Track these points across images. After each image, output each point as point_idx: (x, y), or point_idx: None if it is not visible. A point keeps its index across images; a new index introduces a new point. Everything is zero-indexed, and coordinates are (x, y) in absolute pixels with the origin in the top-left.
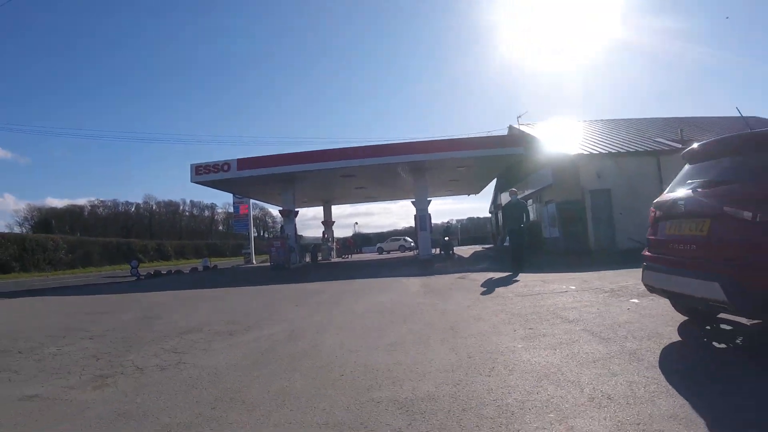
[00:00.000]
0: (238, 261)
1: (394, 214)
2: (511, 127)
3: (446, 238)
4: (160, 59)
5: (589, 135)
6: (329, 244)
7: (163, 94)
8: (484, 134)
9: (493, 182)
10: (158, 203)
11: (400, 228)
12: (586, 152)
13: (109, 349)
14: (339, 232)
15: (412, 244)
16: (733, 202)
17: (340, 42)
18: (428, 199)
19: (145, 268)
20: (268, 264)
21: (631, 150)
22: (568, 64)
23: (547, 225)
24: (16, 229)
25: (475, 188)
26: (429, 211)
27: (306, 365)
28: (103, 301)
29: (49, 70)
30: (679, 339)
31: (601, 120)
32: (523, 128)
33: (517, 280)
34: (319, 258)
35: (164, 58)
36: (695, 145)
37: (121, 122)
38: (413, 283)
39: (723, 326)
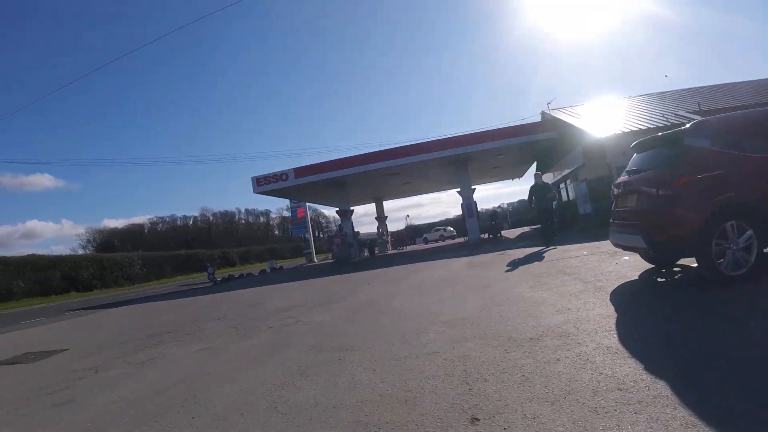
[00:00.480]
0: (300, 261)
1: (444, 203)
2: (543, 113)
3: (492, 223)
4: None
5: (614, 113)
6: (384, 237)
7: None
8: (519, 122)
9: (534, 166)
10: (214, 214)
11: (451, 216)
12: (610, 132)
13: (237, 324)
14: (392, 226)
15: (454, 232)
16: (647, 183)
17: (363, 44)
18: (473, 187)
19: (217, 274)
20: (330, 261)
21: (652, 126)
22: (595, 40)
23: (581, 202)
24: (80, 252)
25: (517, 173)
26: (475, 198)
27: (384, 315)
28: (202, 299)
29: (92, 96)
30: (636, 279)
31: (628, 97)
32: (554, 113)
33: (544, 252)
34: (376, 251)
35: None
36: (637, 141)
37: (166, 144)
38: (460, 262)
39: (675, 269)
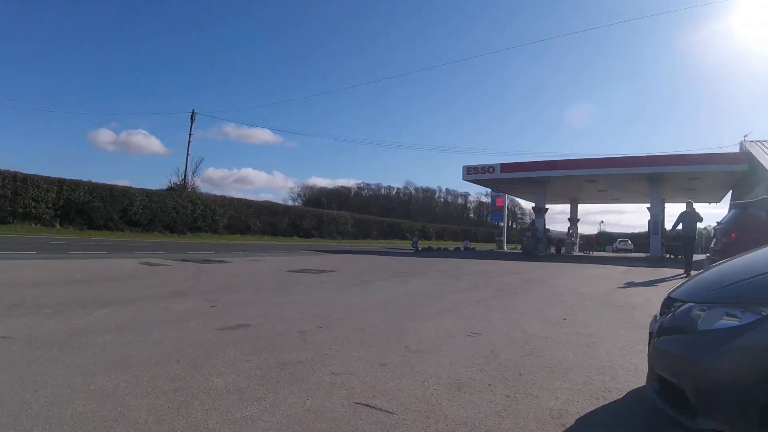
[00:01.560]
0: (490, 246)
1: (646, 214)
2: (741, 144)
3: (677, 244)
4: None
5: None
6: (573, 239)
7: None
8: (716, 150)
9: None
10: (416, 189)
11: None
12: None
13: (450, 275)
14: (586, 228)
15: (630, 245)
16: (720, 232)
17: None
18: (664, 205)
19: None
20: (519, 250)
21: None
22: None
23: None
24: (290, 203)
25: (715, 197)
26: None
27: (543, 285)
28: (414, 259)
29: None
30: None
31: None
32: (749, 145)
33: (679, 276)
34: (562, 250)
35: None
36: (732, 202)
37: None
38: (616, 269)
39: None
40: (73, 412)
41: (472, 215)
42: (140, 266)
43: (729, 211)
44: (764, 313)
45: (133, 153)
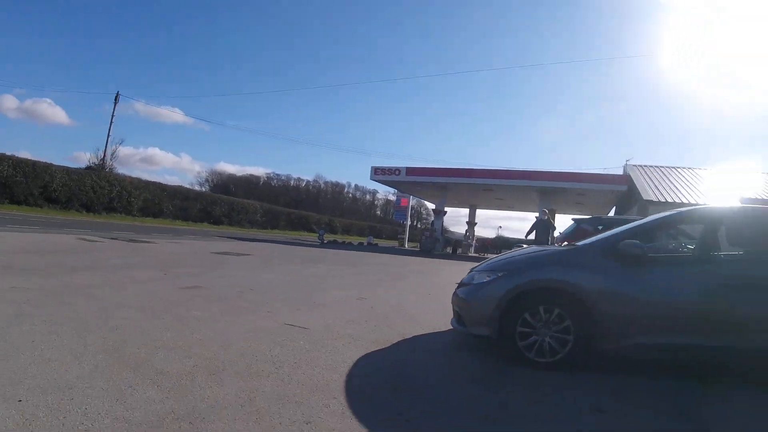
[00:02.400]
0: (393, 243)
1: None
2: (625, 167)
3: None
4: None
5: (682, 182)
6: (469, 240)
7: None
8: (601, 170)
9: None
10: (326, 183)
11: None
12: (653, 199)
13: (356, 261)
14: (487, 232)
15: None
16: (561, 240)
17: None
18: (555, 215)
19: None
20: (418, 248)
21: (679, 201)
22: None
23: None
24: (197, 188)
25: (602, 211)
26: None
27: (430, 274)
28: (320, 250)
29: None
30: None
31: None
32: (631, 169)
33: None
34: (459, 251)
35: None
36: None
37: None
38: None
39: None
40: (113, 325)
41: (379, 212)
42: (79, 242)
43: (570, 225)
44: (498, 275)
45: (37, 122)
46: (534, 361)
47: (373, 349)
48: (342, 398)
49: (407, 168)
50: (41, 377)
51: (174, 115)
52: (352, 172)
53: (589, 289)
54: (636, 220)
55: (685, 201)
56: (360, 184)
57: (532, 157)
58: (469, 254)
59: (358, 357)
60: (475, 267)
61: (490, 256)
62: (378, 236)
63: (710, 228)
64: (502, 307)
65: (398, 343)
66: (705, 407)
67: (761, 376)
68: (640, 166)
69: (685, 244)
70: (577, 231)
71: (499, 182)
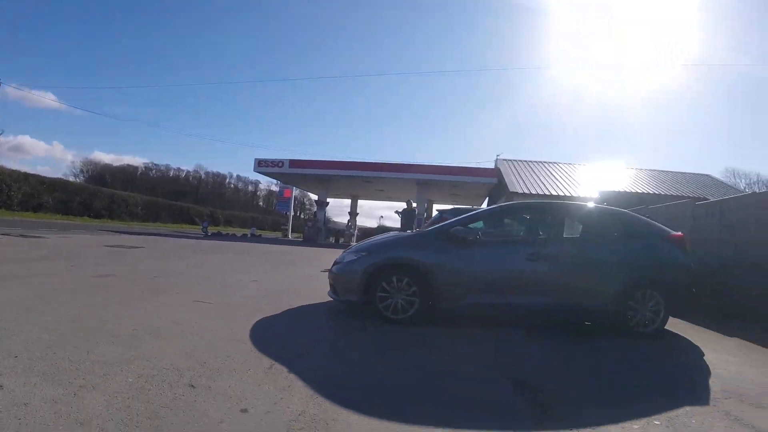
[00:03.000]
0: (276, 234)
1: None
2: (496, 161)
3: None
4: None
5: (546, 175)
6: (351, 230)
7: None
8: (474, 164)
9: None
10: (207, 173)
11: None
12: (518, 191)
13: (245, 251)
14: (370, 222)
15: None
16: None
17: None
18: (433, 205)
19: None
20: (302, 239)
21: (542, 193)
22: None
23: None
24: (71, 179)
25: (476, 202)
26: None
27: (308, 258)
28: (207, 242)
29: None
30: None
31: (566, 164)
32: (500, 163)
33: None
34: (341, 240)
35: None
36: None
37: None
38: None
39: None
40: (61, 304)
41: (261, 203)
42: None
43: (436, 215)
44: (362, 255)
45: None
46: (390, 318)
47: (268, 315)
48: (250, 343)
49: (290, 160)
50: (23, 344)
51: (46, 100)
52: (233, 162)
53: (428, 263)
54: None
55: (546, 193)
56: (242, 174)
57: (414, 151)
58: (352, 243)
59: (256, 320)
60: (346, 249)
61: None
62: (261, 227)
63: (519, 217)
64: (365, 278)
65: (287, 310)
66: (516, 352)
67: (561, 326)
68: (510, 160)
69: (515, 229)
70: (440, 220)
71: (379, 174)
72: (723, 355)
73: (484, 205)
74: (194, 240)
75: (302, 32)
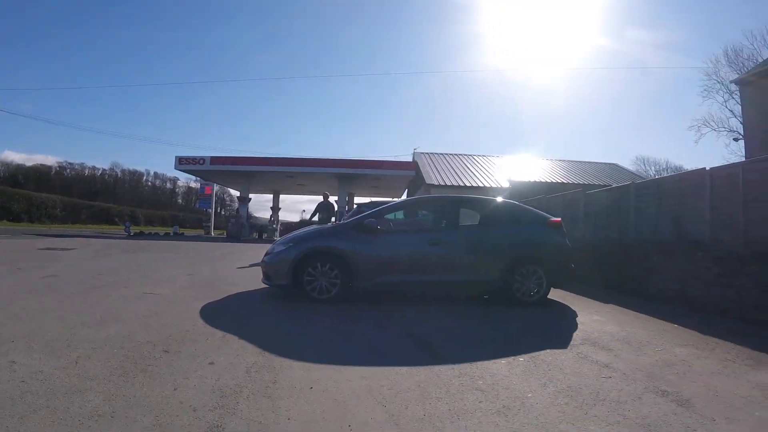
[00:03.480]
0: (199, 231)
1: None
2: (414, 154)
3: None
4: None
5: (461, 168)
6: (274, 225)
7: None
8: (393, 158)
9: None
10: (123, 171)
11: None
12: (435, 183)
13: (174, 248)
14: (291, 216)
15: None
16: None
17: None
18: (354, 198)
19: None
20: (225, 235)
21: (457, 184)
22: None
23: None
24: None
25: (396, 194)
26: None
27: (235, 255)
28: (133, 242)
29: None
30: None
31: (479, 156)
32: (418, 156)
33: None
34: (264, 236)
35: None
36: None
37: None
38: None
39: None
40: (26, 301)
41: (180, 201)
42: None
43: (355, 208)
44: (290, 245)
45: None
46: (316, 298)
47: (210, 300)
48: (202, 321)
49: (212, 157)
50: (12, 333)
51: None
52: (151, 160)
53: (346, 250)
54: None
55: (461, 184)
56: (160, 171)
57: (338, 146)
58: (275, 239)
59: (202, 305)
60: (275, 242)
61: None
62: (182, 225)
63: (424, 209)
64: (294, 265)
65: (227, 296)
66: (420, 319)
67: (461, 299)
68: (427, 153)
69: (421, 219)
70: (359, 212)
71: (300, 170)
72: (594, 317)
73: (404, 197)
74: (120, 240)
75: (220, 30)
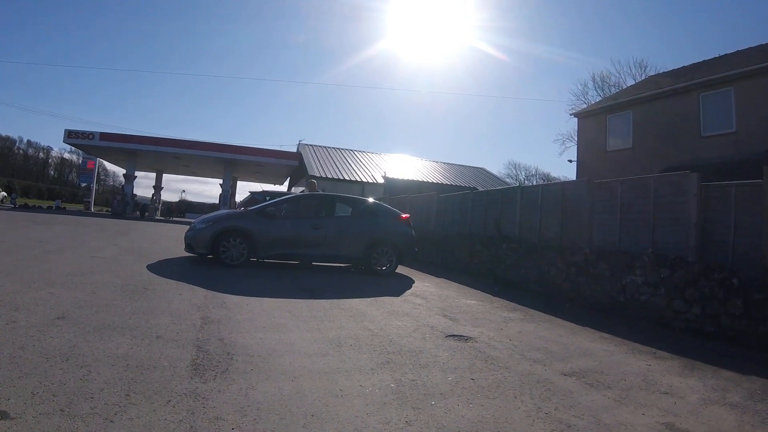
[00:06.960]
0: (78, 207)
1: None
2: (298, 145)
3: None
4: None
5: (338, 162)
6: (156, 204)
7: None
8: (278, 147)
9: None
10: None
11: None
12: (316, 174)
13: (76, 222)
14: (170, 196)
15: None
16: (239, 206)
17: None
18: (236, 182)
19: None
20: (108, 211)
21: (337, 178)
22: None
23: None
24: None
25: (278, 181)
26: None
27: (141, 231)
28: (30, 214)
29: None
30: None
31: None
32: (302, 147)
33: None
34: (146, 215)
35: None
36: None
37: None
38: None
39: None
40: None
41: (53, 172)
42: None
43: (247, 196)
44: (210, 224)
45: None
46: (229, 264)
47: (149, 263)
48: (154, 274)
49: (101, 133)
50: (23, 274)
51: None
52: (24, 124)
53: (252, 229)
54: (292, 194)
55: (340, 177)
56: (33, 139)
57: (225, 132)
58: (156, 218)
59: (146, 265)
60: (196, 220)
61: (175, 219)
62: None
63: (310, 202)
64: (212, 239)
65: (158, 261)
66: (306, 278)
67: (329, 268)
68: (311, 145)
69: (307, 209)
70: (251, 200)
71: (187, 152)
72: (425, 283)
73: (286, 184)
74: (10, 212)
75: (111, 11)
